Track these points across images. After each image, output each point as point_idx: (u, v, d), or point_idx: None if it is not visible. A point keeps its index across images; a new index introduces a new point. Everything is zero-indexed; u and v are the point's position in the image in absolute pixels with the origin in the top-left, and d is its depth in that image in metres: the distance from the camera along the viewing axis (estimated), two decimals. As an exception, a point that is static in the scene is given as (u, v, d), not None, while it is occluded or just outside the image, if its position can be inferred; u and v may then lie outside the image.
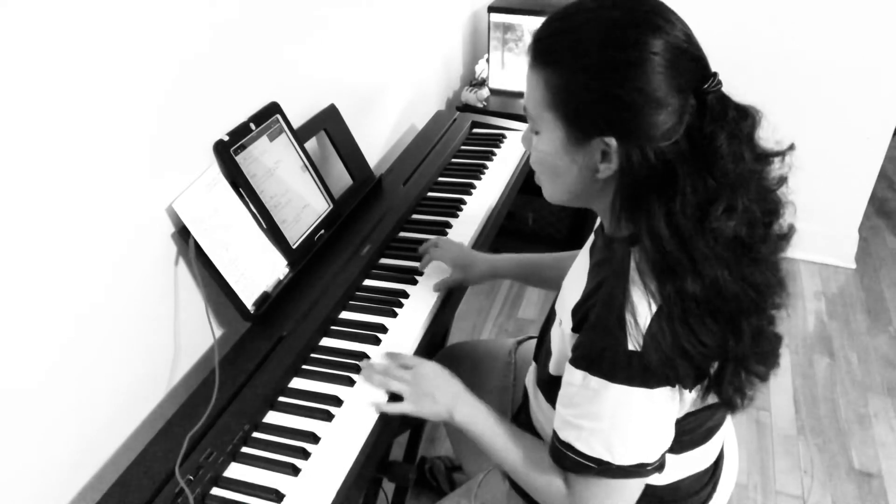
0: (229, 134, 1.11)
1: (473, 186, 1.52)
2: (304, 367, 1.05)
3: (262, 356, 1.04)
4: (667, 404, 0.75)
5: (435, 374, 0.98)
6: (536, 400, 0.97)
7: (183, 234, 1.04)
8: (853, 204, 2.34)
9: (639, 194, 0.72)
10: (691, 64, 0.71)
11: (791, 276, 1.70)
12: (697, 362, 0.72)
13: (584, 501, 0.81)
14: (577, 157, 0.76)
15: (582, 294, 0.82)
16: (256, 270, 1.12)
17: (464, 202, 1.47)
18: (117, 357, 0.98)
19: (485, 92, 2.18)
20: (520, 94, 2.19)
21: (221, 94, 1.12)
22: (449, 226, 1.40)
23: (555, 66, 0.74)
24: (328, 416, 0.96)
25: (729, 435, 1.04)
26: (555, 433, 0.82)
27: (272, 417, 0.97)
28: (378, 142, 1.75)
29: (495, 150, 1.67)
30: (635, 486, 0.80)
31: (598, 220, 0.88)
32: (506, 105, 2.22)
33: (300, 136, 1.27)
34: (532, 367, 1.02)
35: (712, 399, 0.78)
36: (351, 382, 1.02)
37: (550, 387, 0.90)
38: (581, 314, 0.79)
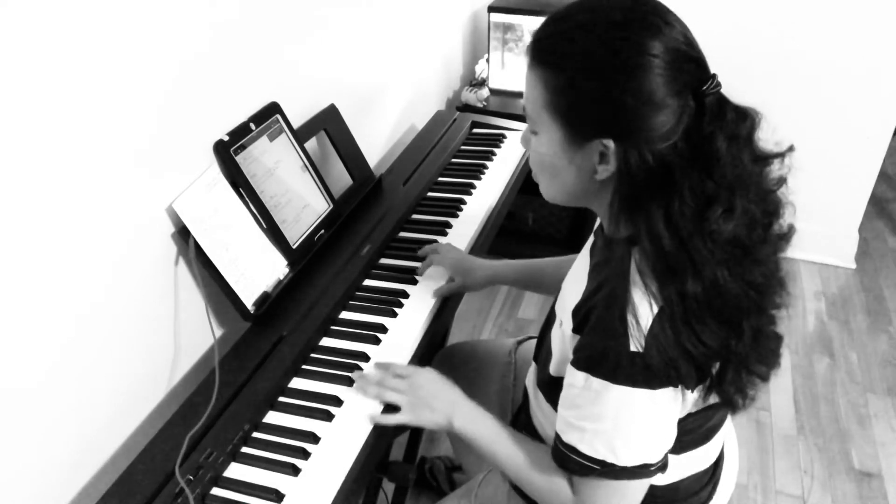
0: (229, 134, 1.11)
1: (473, 186, 1.52)
2: (304, 367, 1.05)
3: (262, 356, 1.04)
4: (669, 405, 0.75)
5: (431, 382, 0.97)
6: (537, 400, 0.97)
7: (183, 234, 1.04)
8: (853, 204, 2.34)
9: (637, 196, 0.72)
10: (690, 66, 0.70)
11: (791, 276, 1.70)
12: (699, 362, 0.72)
13: (589, 503, 0.81)
14: (575, 158, 0.76)
15: (582, 295, 0.82)
16: (256, 270, 1.12)
17: (464, 202, 1.47)
18: (117, 357, 0.98)
19: (485, 92, 2.18)
20: (520, 95, 2.19)
21: (221, 94, 1.12)
22: (449, 226, 1.40)
23: (553, 66, 0.74)
24: (328, 416, 0.96)
25: (729, 435, 1.04)
26: (557, 436, 0.81)
27: (272, 417, 0.97)
28: (378, 142, 1.75)
29: (495, 150, 1.67)
30: (639, 487, 0.80)
31: (598, 221, 0.88)
32: (506, 105, 2.21)
33: (300, 136, 1.27)
34: (532, 368, 1.01)
35: (713, 399, 0.78)
36: (351, 382, 1.02)
37: (551, 388, 0.90)
38: (582, 315, 0.79)
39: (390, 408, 0.96)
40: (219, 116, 1.12)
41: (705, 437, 0.89)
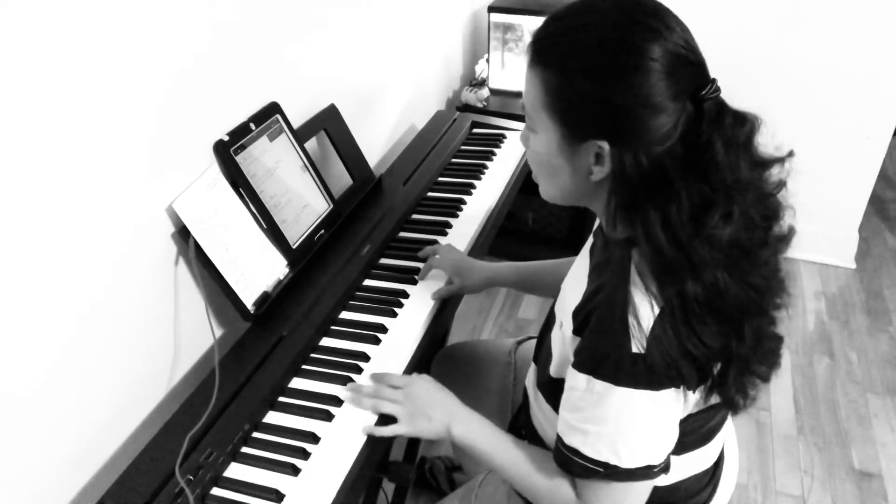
0: (229, 134, 1.11)
1: (473, 186, 1.52)
2: (304, 367, 1.05)
3: (262, 356, 1.04)
4: (671, 405, 0.75)
5: (427, 390, 0.96)
6: (537, 401, 0.97)
7: (183, 234, 1.04)
8: (853, 204, 2.34)
9: (633, 198, 0.72)
10: (689, 70, 0.70)
11: (791, 276, 1.70)
12: (701, 363, 0.72)
13: None
14: (572, 158, 0.76)
15: (582, 296, 0.82)
16: (256, 270, 1.12)
17: (464, 202, 1.47)
18: (117, 357, 0.98)
19: (485, 92, 2.18)
20: (520, 94, 2.18)
21: (221, 94, 1.12)
22: (449, 226, 1.40)
23: (552, 66, 0.74)
24: (328, 416, 0.96)
25: (729, 435, 1.04)
26: (559, 438, 0.81)
27: (272, 417, 0.97)
28: (378, 142, 1.75)
29: (495, 150, 1.67)
30: (643, 489, 0.80)
31: (598, 222, 0.88)
32: (506, 105, 2.21)
33: (300, 136, 1.27)
34: (532, 369, 1.01)
35: (715, 400, 0.78)
36: (352, 383, 1.02)
37: (551, 389, 0.90)
38: (582, 317, 0.79)
39: (386, 418, 0.95)
40: (219, 116, 1.12)
41: (706, 437, 0.89)
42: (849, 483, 1.70)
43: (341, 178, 1.43)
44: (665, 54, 0.68)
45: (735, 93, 0.73)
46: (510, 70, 2.26)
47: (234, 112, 1.15)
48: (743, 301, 0.72)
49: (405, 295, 1.20)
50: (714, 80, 0.71)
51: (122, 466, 0.89)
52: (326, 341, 1.11)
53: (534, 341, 1.05)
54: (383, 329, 1.12)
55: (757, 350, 0.76)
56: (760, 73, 2.17)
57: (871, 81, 2.10)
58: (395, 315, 1.15)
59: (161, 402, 1.08)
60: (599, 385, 0.74)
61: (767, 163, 0.74)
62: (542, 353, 0.94)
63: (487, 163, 1.62)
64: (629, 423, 0.74)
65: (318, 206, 1.29)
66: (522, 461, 0.88)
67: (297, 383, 1.03)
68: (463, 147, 1.71)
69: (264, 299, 1.12)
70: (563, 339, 0.84)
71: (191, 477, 0.86)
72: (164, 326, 1.07)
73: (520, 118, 1.87)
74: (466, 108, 2.19)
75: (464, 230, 1.38)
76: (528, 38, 0.77)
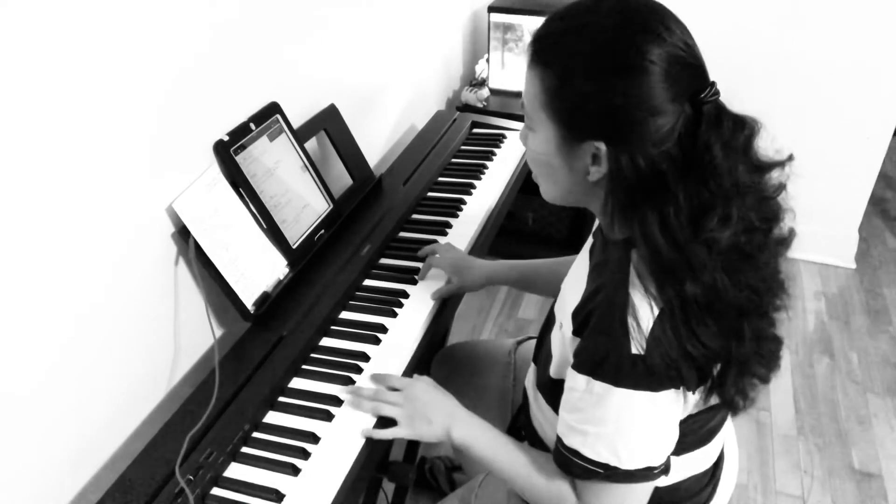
0: (229, 134, 1.11)
1: (473, 186, 1.52)
2: (304, 367, 1.05)
3: (262, 356, 1.04)
4: (671, 406, 0.75)
5: (427, 393, 0.96)
6: (536, 402, 0.97)
7: (183, 234, 1.04)
8: (853, 204, 2.35)
9: (631, 199, 0.72)
10: (688, 73, 0.70)
11: (791, 276, 1.70)
12: (700, 364, 0.72)
13: None
14: (569, 158, 0.76)
15: (582, 297, 0.82)
16: (256, 270, 1.12)
17: (464, 202, 1.47)
18: (117, 357, 0.98)
19: (485, 92, 2.18)
20: (520, 94, 2.18)
21: (221, 94, 1.12)
22: (449, 226, 1.40)
23: (551, 66, 0.74)
24: (328, 416, 0.96)
25: (729, 435, 1.04)
26: (559, 439, 0.81)
27: (272, 417, 0.97)
28: (378, 142, 1.75)
29: (495, 150, 1.67)
30: (643, 490, 0.79)
31: (597, 222, 0.88)
32: (506, 105, 2.21)
33: (300, 136, 1.27)
34: (532, 369, 1.01)
35: (714, 400, 0.78)
36: (351, 383, 1.02)
37: (551, 390, 0.90)
38: (582, 318, 0.79)
39: (386, 420, 0.95)
40: (219, 116, 1.12)
41: (706, 437, 0.89)
42: (849, 483, 1.70)
43: (341, 178, 1.43)
44: (664, 57, 0.68)
45: (735, 93, 0.73)
46: (510, 70, 2.26)
47: (234, 112, 1.15)
48: (742, 303, 0.72)
49: (405, 295, 1.20)
50: (713, 83, 0.71)
51: (122, 466, 0.89)
52: (326, 341, 1.11)
53: (534, 341, 1.05)
54: (383, 329, 1.12)
55: (756, 351, 0.76)
56: (760, 73, 2.17)
57: (871, 81, 2.10)
58: (395, 315, 1.15)
59: (161, 402, 1.08)
60: (599, 386, 0.74)
61: (767, 167, 0.73)
62: (542, 353, 0.94)
63: (487, 163, 1.62)
64: (629, 425, 0.74)
65: (318, 206, 1.29)
66: (522, 463, 0.88)
67: (297, 383, 1.03)
68: (463, 147, 1.71)
69: (264, 299, 1.12)
70: (562, 340, 0.84)
71: (191, 477, 0.86)
72: (164, 326, 1.07)
73: (520, 118, 1.87)
74: (466, 108, 2.19)
75: (464, 230, 1.38)
76: (528, 38, 0.77)
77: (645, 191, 0.71)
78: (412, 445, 1.59)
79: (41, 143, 0.81)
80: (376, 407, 0.95)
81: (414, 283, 1.23)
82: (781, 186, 0.75)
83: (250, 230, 1.14)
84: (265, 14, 1.20)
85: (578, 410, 0.77)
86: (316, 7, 1.36)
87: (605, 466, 0.76)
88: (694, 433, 0.85)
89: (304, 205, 1.25)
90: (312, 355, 1.08)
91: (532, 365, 1.01)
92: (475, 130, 1.79)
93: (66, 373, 0.89)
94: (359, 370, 1.04)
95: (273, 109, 1.21)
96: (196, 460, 0.88)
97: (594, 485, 0.80)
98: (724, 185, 0.69)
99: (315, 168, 1.28)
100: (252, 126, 1.16)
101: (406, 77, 1.87)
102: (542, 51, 0.75)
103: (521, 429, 1.08)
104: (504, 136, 1.73)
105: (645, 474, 0.77)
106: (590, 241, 0.91)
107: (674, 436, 0.78)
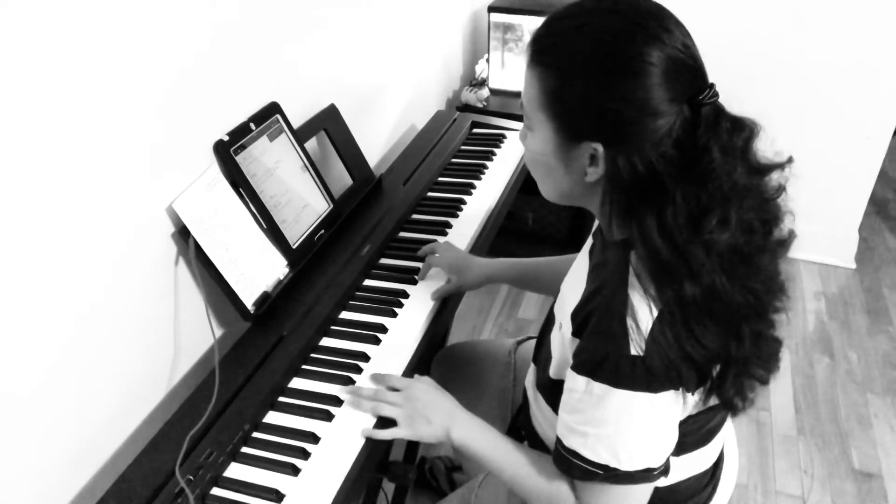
0: (229, 134, 1.11)
1: (473, 186, 1.52)
2: (304, 367, 1.05)
3: (262, 356, 1.04)
4: (670, 408, 0.75)
5: (427, 393, 0.96)
6: (536, 402, 0.97)
7: (183, 234, 1.04)
8: (853, 204, 2.35)
9: (628, 200, 0.72)
10: (687, 75, 0.70)
11: (791, 276, 1.70)
12: (699, 365, 0.72)
13: None
14: (567, 159, 0.76)
15: (581, 297, 0.82)
16: (256, 270, 1.12)
17: (464, 202, 1.47)
18: (117, 357, 0.98)
19: (485, 92, 2.18)
20: (520, 94, 2.18)
21: (221, 94, 1.12)
22: (449, 226, 1.40)
23: (549, 67, 0.74)
24: (328, 416, 0.96)
25: (729, 435, 1.04)
26: (559, 440, 0.81)
27: (272, 417, 0.97)
28: (378, 142, 1.75)
29: (495, 150, 1.67)
30: (642, 492, 0.79)
31: (597, 222, 0.88)
32: (506, 105, 2.21)
33: (300, 136, 1.27)
34: (531, 369, 1.01)
35: (714, 401, 0.78)
36: (351, 383, 1.02)
37: (550, 390, 0.90)
38: (581, 318, 0.79)
39: (386, 420, 0.95)
40: (219, 116, 1.12)
41: (705, 438, 0.89)
42: (849, 483, 1.70)
43: (341, 178, 1.43)
44: (663, 58, 0.68)
45: (734, 93, 0.72)
46: (510, 70, 2.26)
47: (234, 112, 1.15)
48: (741, 304, 0.72)
49: (405, 295, 1.20)
50: (712, 85, 0.70)
51: (122, 466, 0.89)
52: (326, 341, 1.11)
53: (534, 341, 1.05)
54: (383, 329, 1.12)
55: (756, 353, 0.76)
56: (760, 72, 2.17)
57: (871, 81, 2.10)
58: (395, 315, 1.15)
59: (161, 402, 1.08)
60: (598, 387, 0.74)
61: (766, 169, 0.73)
62: (542, 354, 0.94)
63: (487, 163, 1.62)
64: (628, 426, 0.74)
65: (318, 206, 1.29)
66: (522, 464, 0.88)
67: (297, 383, 1.03)
68: (463, 147, 1.71)
69: (264, 299, 1.12)
70: (562, 341, 0.84)
71: (191, 477, 0.86)
72: (164, 326, 1.07)
73: (520, 118, 1.86)
74: (466, 108, 2.19)
75: (464, 230, 1.39)
76: (528, 38, 0.77)
77: (642, 192, 0.71)
78: (412, 445, 1.59)
79: (41, 143, 0.81)
80: (376, 407, 0.95)
81: (414, 283, 1.23)
82: (781, 188, 0.75)
83: (250, 230, 1.14)
84: (265, 14, 1.20)
85: (578, 412, 0.77)
86: (316, 7, 1.36)
87: (605, 468, 0.76)
88: (693, 434, 0.85)
89: (304, 205, 1.25)
90: (312, 355, 1.08)
91: (532, 365, 1.01)
92: (475, 130, 1.79)
93: (66, 373, 0.89)
94: (359, 370, 1.04)
95: (273, 109, 1.21)
96: (196, 460, 0.88)
97: (594, 486, 0.79)
98: (722, 187, 0.69)
99: (315, 168, 1.28)
100: (252, 126, 1.16)
101: (406, 77, 1.87)
102: (541, 51, 0.75)
103: (521, 429, 1.08)
104: (504, 136, 1.73)
105: (644, 475, 0.77)
106: (589, 241, 0.91)
107: (673, 437, 0.78)
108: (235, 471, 0.90)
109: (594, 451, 0.76)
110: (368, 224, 1.34)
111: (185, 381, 1.12)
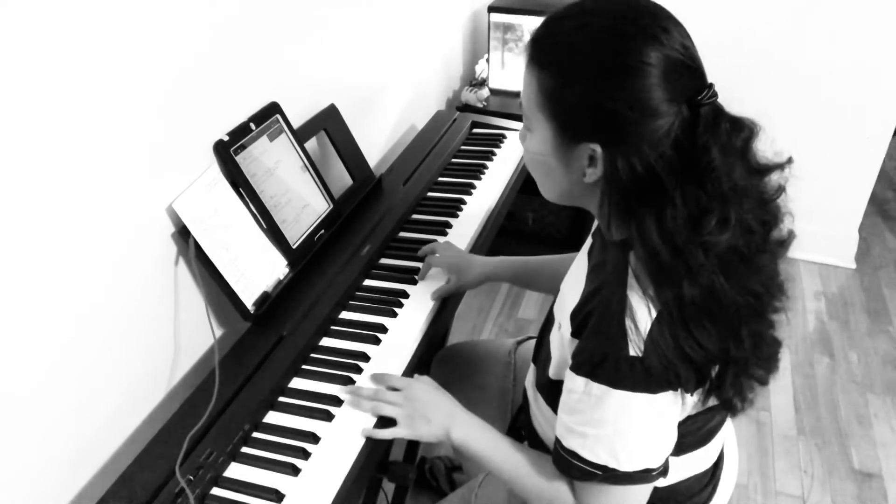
0: (229, 134, 1.11)
1: (473, 186, 1.52)
2: (304, 367, 1.05)
3: (262, 356, 1.04)
4: (669, 408, 0.75)
5: (427, 392, 0.95)
6: (536, 402, 0.97)
7: (183, 234, 1.04)
8: (853, 204, 2.35)
9: (627, 201, 0.72)
10: (686, 75, 0.70)
11: (791, 276, 1.70)
12: (698, 366, 0.72)
13: None
14: (565, 159, 0.76)
15: (580, 297, 0.82)
16: (256, 270, 1.12)
17: (464, 202, 1.47)
18: (117, 357, 0.98)
19: (485, 92, 2.19)
20: (519, 94, 2.18)
21: (221, 94, 1.12)
22: (449, 226, 1.40)
23: (548, 67, 0.74)
24: (328, 416, 0.96)
25: (729, 436, 1.04)
26: (558, 441, 0.81)
27: (272, 417, 0.97)
28: (378, 142, 1.75)
29: (495, 150, 1.67)
30: (641, 492, 0.79)
31: (596, 223, 0.88)
32: (506, 105, 2.21)
33: (300, 136, 1.27)
34: (531, 369, 1.01)
35: (713, 402, 0.78)
36: (351, 383, 1.02)
37: (550, 390, 0.90)
38: (580, 319, 0.79)
39: (386, 420, 0.95)
40: (219, 116, 1.12)
41: (705, 438, 0.89)
42: (849, 483, 1.70)
43: (341, 178, 1.43)
44: (662, 59, 0.68)
45: (734, 93, 0.72)
46: (510, 70, 2.26)
47: (234, 112, 1.15)
48: (741, 305, 0.72)
49: (405, 295, 1.20)
50: (711, 85, 0.70)
51: (122, 466, 0.89)
52: (326, 341, 1.11)
53: (534, 341, 1.05)
54: (383, 329, 1.12)
55: (755, 354, 0.76)
56: (760, 72, 2.17)
57: (871, 81, 2.10)
58: (395, 315, 1.15)
59: (161, 402, 1.08)
60: (597, 388, 0.74)
61: (765, 169, 0.73)
62: (542, 354, 0.94)
63: (487, 163, 1.62)
64: (627, 426, 0.74)
65: (318, 206, 1.29)
66: (521, 464, 0.88)
67: (297, 383, 1.03)
68: (463, 147, 1.71)
69: (264, 299, 1.12)
70: (562, 341, 0.84)
71: (191, 477, 0.86)
72: (164, 326, 1.07)
73: (520, 118, 1.86)
74: (466, 108, 2.19)
75: (464, 230, 1.39)
76: (528, 38, 0.77)
77: (641, 193, 0.70)
78: (412, 445, 1.59)
79: (41, 143, 0.81)
80: (376, 407, 0.95)
81: (414, 283, 1.23)
82: (780, 189, 0.75)
83: (250, 230, 1.14)
84: (265, 14, 1.20)
85: (577, 412, 0.77)
86: (316, 7, 1.36)
87: (604, 468, 0.76)
88: (693, 434, 0.85)
89: (304, 205, 1.25)
90: (312, 355, 1.08)
91: (532, 365, 1.01)
92: (475, 130, 1.79)
93: (66, 373, 0.89)
94: (359, 370, 1.04)
95: (273, 109, 1.21)
96: (196, 460, 0.88)
97: (593, 486, 0.79)
98: (721, 187, 0.68)
99: (315, 168, 1.28)
100: (252, 126, 1.16)
101: (406, 77, 1.87)
102: (540, 51, 0.75)
103: (521, 429, 1.08)
104: (504, 137, 1.73)
105: (643, 476, 0.77)
106: (589, 241, 0.91)
107: (672, 437, 0.78)
108: (235, 471, 0.90)
109: (593, 451, 0.76)
110: (368, 224, 1.34)
111: (185, 381, 1.12)
